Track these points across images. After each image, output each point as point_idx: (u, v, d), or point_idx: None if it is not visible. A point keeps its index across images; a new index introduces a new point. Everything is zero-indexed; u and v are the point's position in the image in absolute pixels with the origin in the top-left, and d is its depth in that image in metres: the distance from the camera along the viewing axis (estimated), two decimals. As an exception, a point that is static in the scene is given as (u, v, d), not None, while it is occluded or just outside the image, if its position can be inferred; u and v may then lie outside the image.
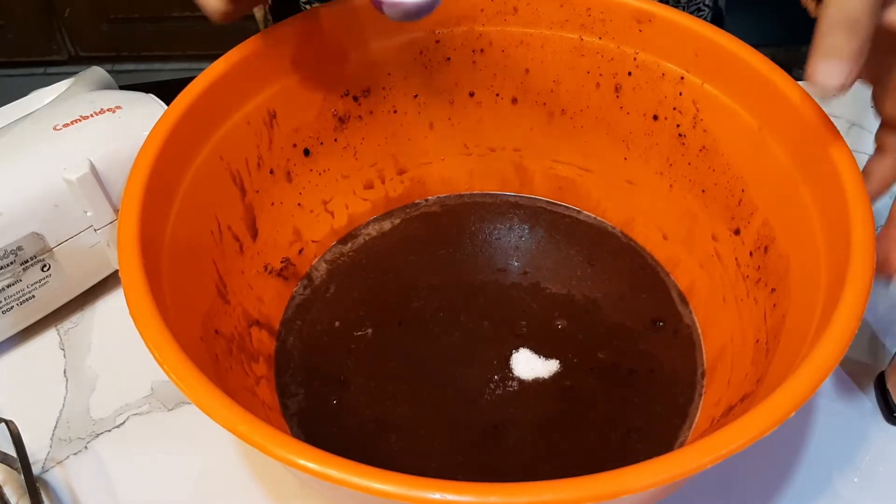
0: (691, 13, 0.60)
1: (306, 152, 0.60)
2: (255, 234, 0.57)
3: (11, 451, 0.52)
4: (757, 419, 0.35)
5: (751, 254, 0.54)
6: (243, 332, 0.54)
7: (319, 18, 0.55)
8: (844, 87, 0.35)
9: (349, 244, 0.64)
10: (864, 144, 0.73)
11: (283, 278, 0.60)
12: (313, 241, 0.63)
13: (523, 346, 0.57)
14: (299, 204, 0.61)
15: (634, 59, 0.58)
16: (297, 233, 0.61)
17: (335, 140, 0.61)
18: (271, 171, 0.58)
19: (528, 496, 0.32)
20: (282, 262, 0.60)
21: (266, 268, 0.58)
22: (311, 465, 0.34)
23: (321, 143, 0.60)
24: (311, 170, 0.61)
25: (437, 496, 0.32)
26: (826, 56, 0.35)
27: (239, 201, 0.55)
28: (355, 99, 0.60)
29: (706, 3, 0.78)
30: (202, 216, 0.52)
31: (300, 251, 0.62)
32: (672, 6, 0.55)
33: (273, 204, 0.59)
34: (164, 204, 0.48)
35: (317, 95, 0.58)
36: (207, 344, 0.48)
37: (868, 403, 0.57)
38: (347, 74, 0.59)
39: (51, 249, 0.58)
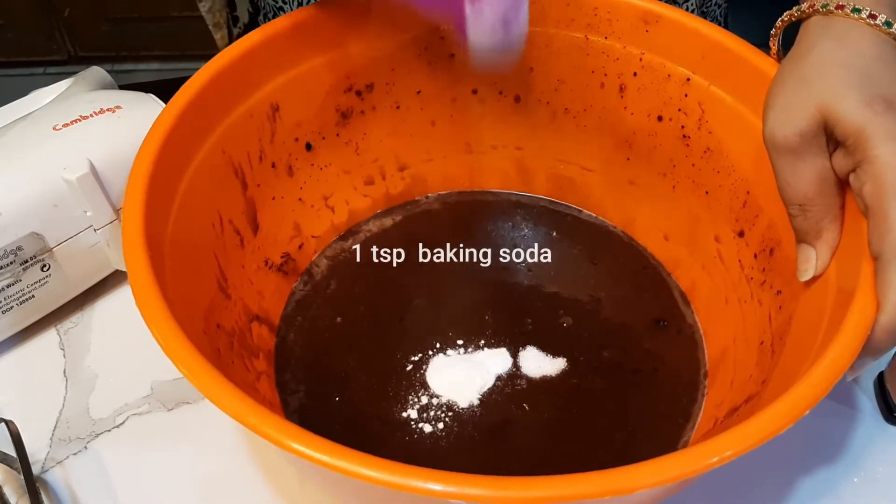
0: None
1: (308, 147, 0.60)
2: (255, 229, 0.57)
3: (11, 451, 0.52)
4: (767, 421, 0.35)
5: (755, 256, 0.54)
6: (244, 327, 0.54)
7: (324, 12, 0.55)
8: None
9: (350, 240, 0.64)
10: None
11: (283, 273, 0.60)
12: (313, 237, 0.63)
13: (530, 344, 0.57)
14: (300, 199, 0.61)
15: (640, 59, 0.58)
16: (297, 228, 0.61)
17: (337, 135, 0.61)
18: (273, 165, 0.57)
19: (538, 491, 0.32)
20: (282, 256, 0.60)
21: (266, 262, 0.58)
22: (323, 457, 0.33)
23: (323, 138, 0.60)
24: (312, 164, 0.61)
25: (454, 489, 0.32)
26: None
27: (240, 195, 0.55)
28: (358, 94, 0.60)
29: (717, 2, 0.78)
30: (204, 209, 0.52)
31: (300, 246, 0.61)
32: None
33: (274, 198, 0.58)
34: (167, 197, 0.47)
35: (320, 90, 0.58)
36: (210, 338, 0.48)
37: (868, 403, 0.57)
38: (351, 69, 0.58)
39: (50, 249, 0.58)
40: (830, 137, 0.42)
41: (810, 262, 0.45)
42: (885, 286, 0.39)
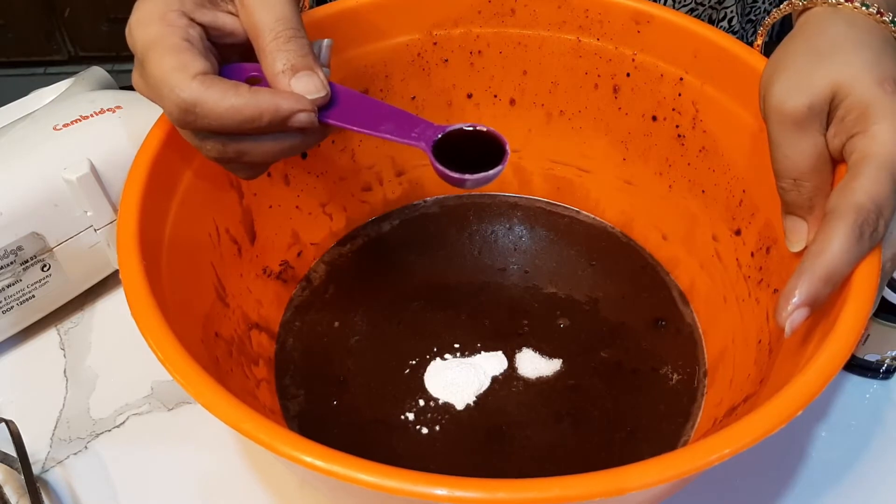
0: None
1: (304, 155, 0.60)
2: (253, 238, 0.57)
3: (11, 451, 0.52)
4: (762, 418, 0.35)
5: (752, 254, 0.54)
6: (243, 335, 0.54)
7: (317, 20, 0.55)
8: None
9: (348, 245, 0.64)
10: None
11: (282, 281, 0.60)
12: (312, 244, 0.63)
13: (526, 346, 0.57)
14: (297, 206, 0.61)
15: (633, 59, 0.58)
16: (295, 235, 0.61)
17: (332, 142, 0.61)
18: (269, 174, 0.58)
19: (536, 492, 0.32)
20: (280, 264, 0.60)
21: (265, 271, 0.58)
22: (317, 462, 0.34)
23: (318, 146, 0.60)
24: (308, 172, 0.61)
25: (444, 492, 0.32)
26: (791, 325, 0.40)
27: (237, 204, 0.55)
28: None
29: None
30: (200, 219, 0.52)
31: (299, 254, 0.62)
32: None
33: (271, 207, 0.58)
34: (162, 205, 0.48)
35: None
36: (208, 346, 0.48)
37: (868, 404, 0.57)
38: (344, 76, 0.58)
39: (51, 249, 0.58)
40: (831, 113, 0.43)
41: (802, 234, 0.45)
42: (828, 239, 0.39)
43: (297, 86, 0.42)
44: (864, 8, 0.44)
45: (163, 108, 0.42)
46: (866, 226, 0.39)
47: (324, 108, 0.43)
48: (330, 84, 0.44)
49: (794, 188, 0.44)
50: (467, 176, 0.44)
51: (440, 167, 0.44)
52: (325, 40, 0.48)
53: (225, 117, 0.40)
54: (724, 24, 0.70)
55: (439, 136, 0.45)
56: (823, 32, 0.44)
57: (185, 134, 0.44)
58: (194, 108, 0.40)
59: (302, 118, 0.42)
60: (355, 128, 0.44)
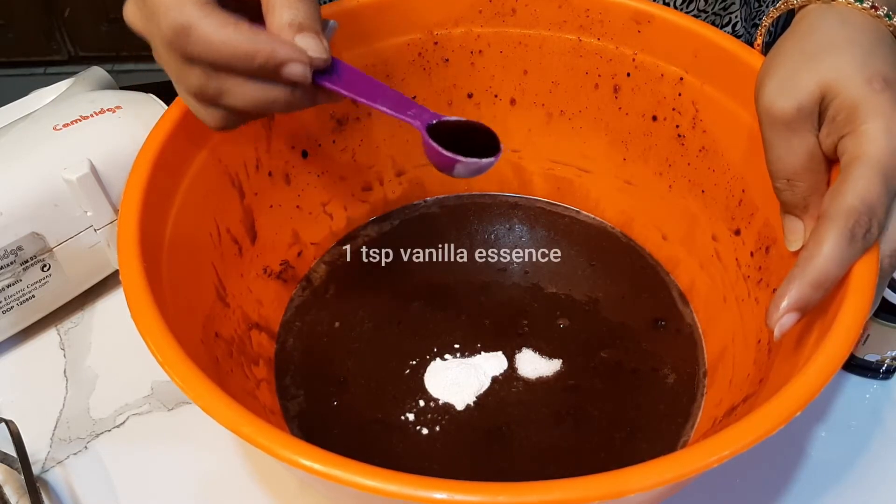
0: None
1: (304, 154, 0.60)
2: (253, 237, 0.57)
3: (11, 451, 0.52)
4: (761, 419, 0.35)
5: (752, 254, 0.54)
6: (243, 335, 0.54)
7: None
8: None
9: (348, 245, 0.64)
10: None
11: (283, 281, 0.60)
12: (312, 244, 0.63)
13: (526, 346, 0.57)
14: (298, 206, 0.61)
15: (633, 59, 0.58)
16: (295, 235, 0.61)
17: (333, 142, 0.61)
18: (270, 174, 0.58)
19: (537, 495, 0.32)
20: (281, 264, 0.60)
21: (265, 270, 0.58)
22: (315, 465, 0.34)
23: (319, 145, 0.60)
24: (309, 172, 0.61)
25: (444, 496, 0.32)
26: (780, 329, 0.40)
27: (238, 204, 0.55)
28: (353, 100, 0.60)
29: None
30: (201, 218, 0.52)
31: (299, 254, 0.62)
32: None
33: (272, 206, 0.58)
34: (163, 205, 0.48)
35: (315, 97, 0.58)
36: (208, 347, 0.48)
37: (868, 404, 0.57)
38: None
39: (51, 249, 0.58)
40: (822, 113, 0.43)
41: (799, 233, 0.45)
42: (819, 243, 0.39)
43: (300, 42, 0.41)
44: (857, 3, 0.44)
45: (155, 34, 0.41)
46: (858, 228, 0.39)
47: (322, 73, 0.43)
48: (333, 59, 0.43)
49: (788, 188, 0.44)
50: (459, 158, 0.44)
51: (433, 144, 0.44)
52: (332, 21, 0.47)
53: (218, 49, 0.39)
54: (729, 29, 0.70)
55: (434, 121, 0.45)
56: (815, 31, 0.44)
57: (170, 59, 0.42)
58: (188, 31, 0.39)
59: (296, 69, 0.41)
60: (351, 94, 0.44)
